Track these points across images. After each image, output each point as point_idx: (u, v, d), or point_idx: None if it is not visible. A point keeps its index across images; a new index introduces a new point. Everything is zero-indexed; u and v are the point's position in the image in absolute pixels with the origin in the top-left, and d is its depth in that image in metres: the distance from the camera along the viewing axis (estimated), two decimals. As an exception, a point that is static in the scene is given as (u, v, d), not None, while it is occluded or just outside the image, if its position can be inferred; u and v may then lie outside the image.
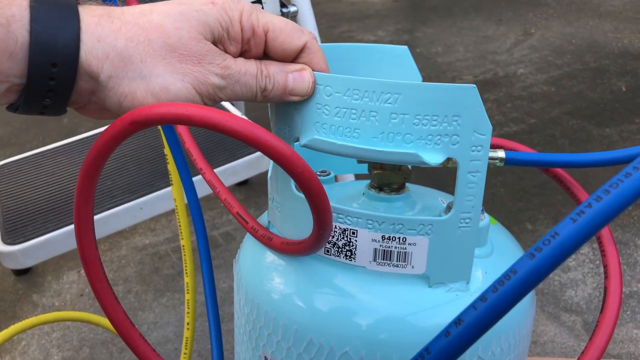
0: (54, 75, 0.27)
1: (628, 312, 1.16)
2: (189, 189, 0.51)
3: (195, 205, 0.50)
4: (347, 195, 0.40)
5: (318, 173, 0.42)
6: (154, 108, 0.26)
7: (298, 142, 0.34)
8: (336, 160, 0.45)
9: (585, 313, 1.17)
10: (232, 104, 1.54)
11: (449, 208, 0.35)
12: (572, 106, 1.83)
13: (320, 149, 0.32)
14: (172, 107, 0.26)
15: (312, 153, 0.44)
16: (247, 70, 0.31)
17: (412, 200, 0.38)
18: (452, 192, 0.37)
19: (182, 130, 0.48)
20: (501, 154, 0.40)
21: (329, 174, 0.42)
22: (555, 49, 2.19)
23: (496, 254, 0.37)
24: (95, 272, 0.33)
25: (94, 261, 0.32)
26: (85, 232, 0.32)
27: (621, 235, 1.35)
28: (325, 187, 0.41)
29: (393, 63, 0.40)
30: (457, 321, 0.22)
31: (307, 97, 0.32)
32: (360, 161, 0.38)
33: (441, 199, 0.40)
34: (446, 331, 0.23)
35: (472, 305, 0.22)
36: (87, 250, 0.32)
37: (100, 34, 0.28)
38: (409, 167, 0.38)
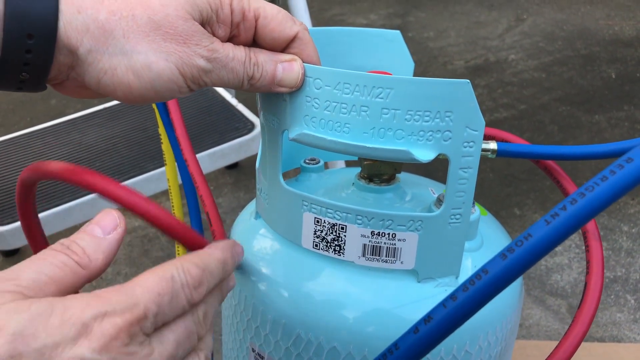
0: (30, 48, 0.26)
1: (612, 297, 1.18)
2: (185, 168, 0.51)
3: (190, 185, 0.50)
4: (336, 184, 0.39)
5: (307, 161, 0.41)
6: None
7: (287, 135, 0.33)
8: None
9: (570, 297, 1.18)
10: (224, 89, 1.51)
11: (439, 201, 0.34)
12: (562, 92, 1.83)
13: (309, 143, 0.32)
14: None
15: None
16: (235, 55, 0.29)
17: (402, 191, 0.37)
18: (442, 180, 0.37)
19: (174, 116, 0.47)
20: (493, 145, 0.39)
21: (318, 162, 0.41)
22: (546, 35, 2.18)
23: (486, 247, 0.36)
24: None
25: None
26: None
27: (607, 221, 1.36)
28: (314, 175, 0.41)
29: (385, 48, 0.39)
30: (426, 318, 0.22)
31: (295, 89, 0.31)
32: None
33: (431, 189, 0.40)
34: (415, 328, 0.23)
35: (442, 304, 0.22)
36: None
37: (80, 4, 0.27)
38: None
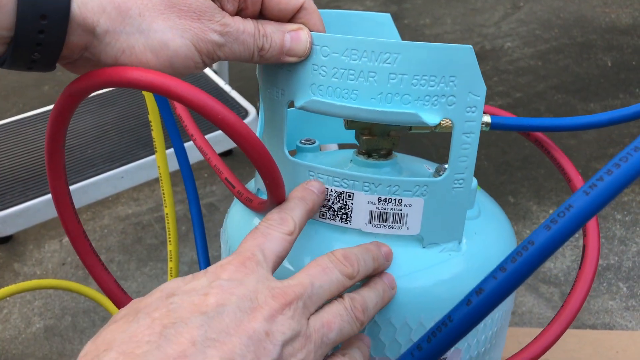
0: (43, 28, 0.26)
1: (604, 284, 1.19)
2: (181, 153, 0.51)
3: (186, 170, 0.50)
4: (335, 162, 0.39)
5: (303, 141, 0.41)
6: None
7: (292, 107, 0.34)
8: (319, 130, 0.44)
9: (563, 285, 1.19)
10: (216, 74, 1.51)
11: (437, 172, 0.35)
12: (557, 80, 1.83)
13: (318, 110, 0.32)
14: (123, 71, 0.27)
15: (296, 123, 0.43)
16: (245, 28, 0.30)
17: (399, 166, 0.38)
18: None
19: None
20: (487, 118, 0.40)
21: (314, 142, 0.42)
22: (543, 23, 2.18)
23: (483, 216, 0.38)
24: (81, 244, 0.33)
25: (78, 234, 0.33)
26: (63, 207, 0.32)
27: (601, 209, 1.36)
28: (310, 155, 0.41)
29: (375, 31, 0.39)
30: (477, 290, 0.24)
31: (303, 58, 0.32)
32: (349, 127, 0.38)
33: (426, 165, 0.41)
34: (467, 300, 0.24)
35: (492, 275, 0.23)
36: (70, 224, 0.33)
37: None
38: (398, 133, 0.38)
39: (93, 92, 0.29)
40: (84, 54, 0.28)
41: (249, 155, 0.28)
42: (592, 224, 0.38)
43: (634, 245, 1.27)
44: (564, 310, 0.35)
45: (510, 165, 1.51)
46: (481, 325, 0.35)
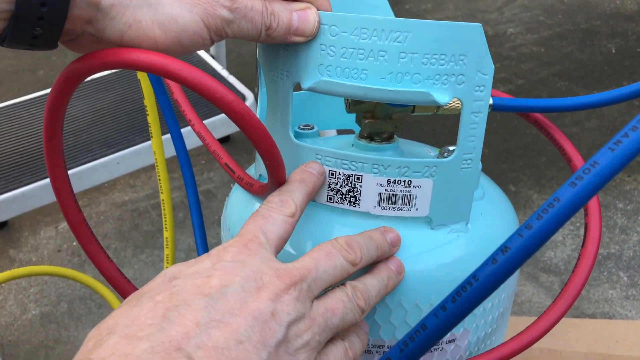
0: (45, 1, 0.25)
1: (605, 274, 1.18)
2: (178, 138, 0.50)
3: (184, 156, 0.50)
4: (336, 147, 0.39)
5: (302, 127, 0.41)
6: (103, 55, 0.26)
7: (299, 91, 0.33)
8: (317, 116, 0.44)
9: (563, 274, 1.18)
10: (214, 59, 1.49)
11: (442, 155, 0.35)
12: (560, 67, 1.82)
13: (328, 91, 0.32)
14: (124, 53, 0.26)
15: (294, 110, 0.42)
16: (253, 5, 0.30)
17: (400, 150, 0.38)
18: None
19: (170, 81, 0.46)
20: (489, 100, 0.40)
21: (313, 128, 0.41)
22: (546, 9, 2.15)
23: (487, 198, 0.38)
24: (82, 232, 0.33)
25: (79, 222, 0.33)
26: (63, 195, 0.32)
27: (602, 198, 1.36)
28: (309, 141, 0.40)
29: (371, 14, 0.38)
30: (503, 249, 0.24)
31: (311, 38, 0.31)
32: (352, 110, 0.38)
33: (427, 149, 0.41)
34: (493, 258, 0.24)
35: (518, 233, 0.23)
36: (70, 212, 0.33)
37: None
38: (400, 116, 0.37)
39: (92, 74, 0.28)
40: (87, 29, 0.27)
41: (248, 135, 0.28)
42: (593, 204, 0.38)
43: (635, 234, 1.26)
44: (565, 292, 0.35)
45: (511, 153, 1.50)
46: (488, 304, 0.35)
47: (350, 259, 0.30)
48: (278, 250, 0.29)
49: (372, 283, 0.31)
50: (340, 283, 0.30)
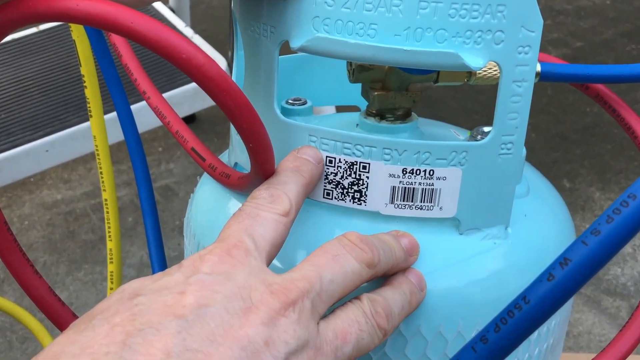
0: None
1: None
2: (126, 117, 0.50)
3: (133, 139, 0.50)
4: (335, 127, 0.39)
5: (291, 101, 0.42)
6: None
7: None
8: (310, 88, 0.44)
9: (634, 297, 1.19)
10: (174, 12, 1.50)
11: (473, 138, 0.35)
12: (631, 26, 1.82)
13: (324, 52, 0.32)
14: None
15: (281, 79, 0.42)
16: None
17: (420, 131, 0.38)
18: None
19: (117, 40, 0.46)
20: (536, 67, 0.40)
21: (305, 102, 0.42)
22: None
23: (533, 194, 0.38)
24: (2, 240, 0.33)
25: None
26: None
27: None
28: (301, 119, 0.40)
29: None
30: (561, 261, 0.24)
31: None
32: (356, 79, 0.38)
33: (454, 131, 0.41)
34: (548, 274, 0.24)
35: (581, 241, 0.23)
36: None
37: None
38: (419, 87, 0.37)
39: (13, 30, 0.27)
40: None
41: (225, 108, 0.27)
42: None
43: None
44: (635, 319, 0.35)
45: (565, 139, 1.51)
46: (534, 335, 0.34)
47: (366, 259, 0.29)
48: (270, 258, 0.29)
49: (393, 297, 0.30)
50: (354, 296, 0.29)
